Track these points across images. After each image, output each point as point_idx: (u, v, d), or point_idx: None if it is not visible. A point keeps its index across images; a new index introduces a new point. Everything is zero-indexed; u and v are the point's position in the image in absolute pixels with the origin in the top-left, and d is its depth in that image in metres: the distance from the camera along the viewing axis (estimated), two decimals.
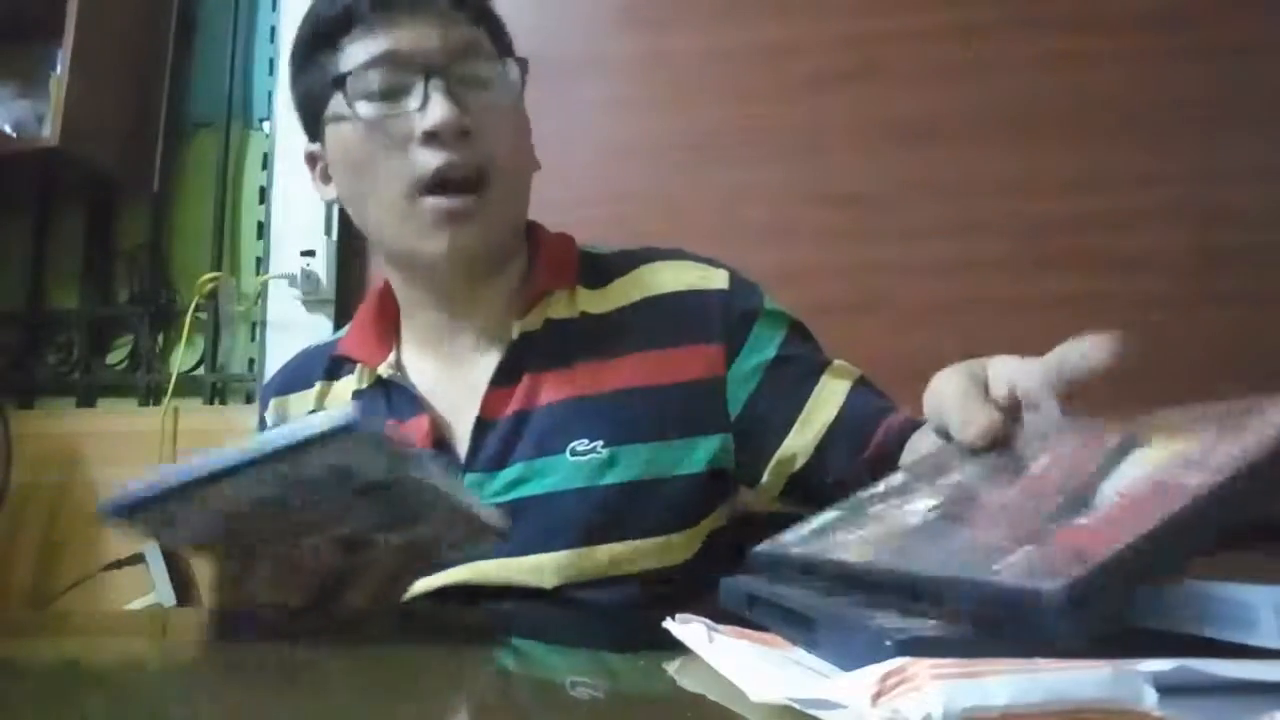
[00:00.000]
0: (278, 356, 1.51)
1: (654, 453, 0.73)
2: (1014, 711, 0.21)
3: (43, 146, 1.43)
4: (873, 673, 0.22)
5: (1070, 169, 1.36)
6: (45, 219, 1.66)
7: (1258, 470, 0.26)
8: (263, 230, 1.56)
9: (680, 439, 0.74)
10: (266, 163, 1.57)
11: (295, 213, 1.53)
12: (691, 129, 1.45)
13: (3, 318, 1.62)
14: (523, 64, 0.76)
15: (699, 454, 0.74)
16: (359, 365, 0.81)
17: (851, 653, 0.26)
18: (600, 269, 0.81)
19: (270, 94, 1.58)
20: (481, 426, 0.75)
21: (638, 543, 0.72)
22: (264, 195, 1.57)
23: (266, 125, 1.58)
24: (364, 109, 0.71)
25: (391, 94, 0.71)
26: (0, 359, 1.61)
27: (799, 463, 0.74)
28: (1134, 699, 0.21)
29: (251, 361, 1.54)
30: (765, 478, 0.76)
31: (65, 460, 1.50)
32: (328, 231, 1.51)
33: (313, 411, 0.81)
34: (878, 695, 0.22)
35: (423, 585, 0.68)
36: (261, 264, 1.55)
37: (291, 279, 1.48)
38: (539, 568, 0.70)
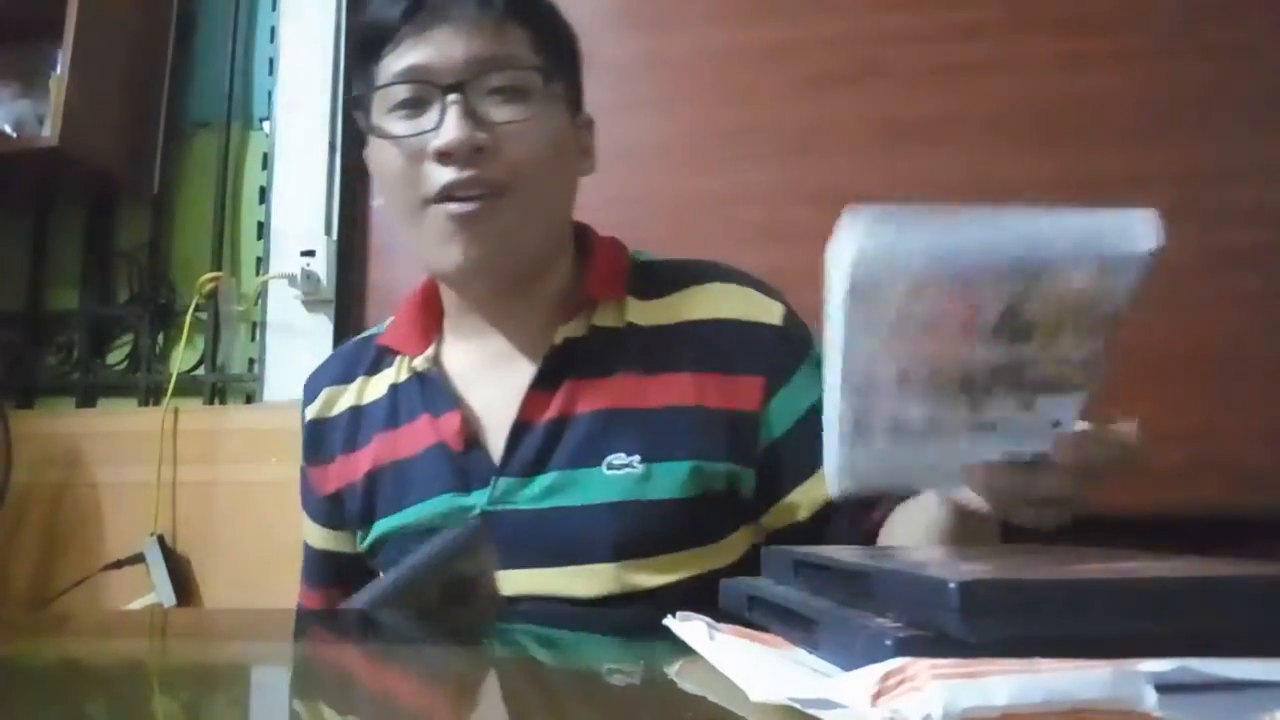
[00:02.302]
0: (278, 356, 1.51)
1: (690, 473, 0.72)
2: (1014, 711, 0.21)
3: (43, 146, 1.42)
4: (873, 673, 0.22)
5: (1070, 169, 1.36)
6: (45, 219, 1.66)
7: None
8: (263, 230, 1.55)
9: (715, 463, 0.73)
10: (266, 163, 1.56)
11: (295, 213, 1.52)
12: (690, 129, 1.45)
13: (3, 318, 1.62)
14: (563, 70, 0.77)
15: (731, 481, 0.74)
16: (399, 358, 0.82)
17: (851, 652, 0.26)
18: (651, 279, 0.80)
19: (270, 94, 1.57)
20: (519, 430, 0.75)
21: (673, 556, 0.71)
22: (264, 195, 1.56)
23: (266, 125, 1.57)
24: (389, 124, 0.73)
25: (415, 109, 0.72)
26: (0, 359, 1.61)
27: (801, 514, 0.74)
28: (1134, 699, 0.21)
29: (251, 362, 1.54)
30: (765, 518, 0.76)
31: (65, 460, 1.50)
32: (328, 231, 1.51)
33: (351, 406, 0.84)
34: (878, 695, 0.22)
35: None
36: (261, 264, 1.55)
37: (291, 279, 1.48)
38: (572, 580, 0.71)
